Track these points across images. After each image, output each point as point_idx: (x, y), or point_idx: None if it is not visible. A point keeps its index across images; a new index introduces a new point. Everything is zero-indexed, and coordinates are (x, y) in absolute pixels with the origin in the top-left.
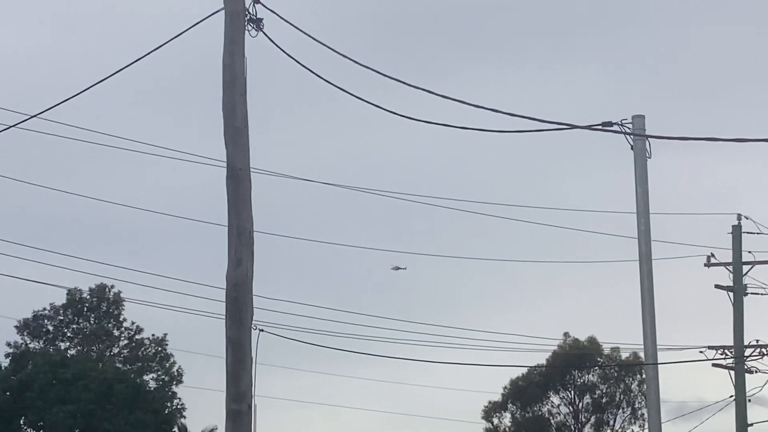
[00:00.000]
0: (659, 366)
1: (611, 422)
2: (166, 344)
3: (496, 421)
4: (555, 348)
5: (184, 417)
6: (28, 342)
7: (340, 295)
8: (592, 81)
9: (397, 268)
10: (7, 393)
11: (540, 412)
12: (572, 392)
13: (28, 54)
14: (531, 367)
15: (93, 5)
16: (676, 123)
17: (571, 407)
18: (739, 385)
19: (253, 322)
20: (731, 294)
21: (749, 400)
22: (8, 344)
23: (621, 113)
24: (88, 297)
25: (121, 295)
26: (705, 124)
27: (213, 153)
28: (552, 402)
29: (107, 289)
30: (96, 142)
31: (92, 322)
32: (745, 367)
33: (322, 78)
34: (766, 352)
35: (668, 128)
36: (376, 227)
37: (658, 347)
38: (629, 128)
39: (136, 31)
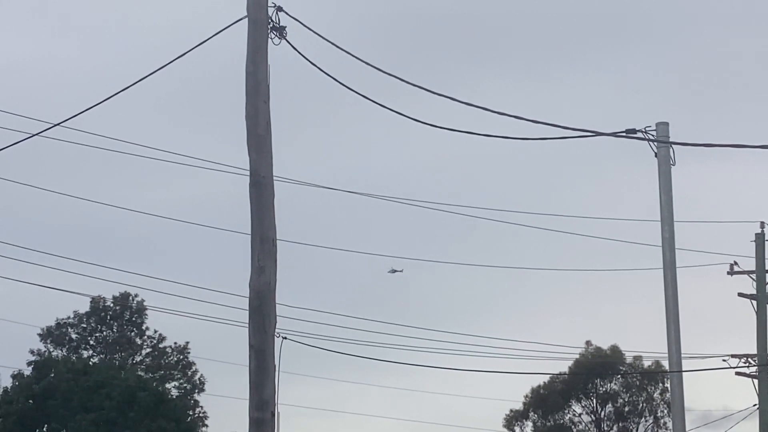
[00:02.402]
0: (683, 374)
1: (634, 431)
2: (189, 352)
3: (517, 429)
4: (577, 356)
5: (207, 425)
6: (51, 350)
7: (364, 303)
8: (615, 89)
9: (394, 271)
10: (30, 401)
11: (562, 421)
12: (594, 401)
13: (52, 63)
14: (553, 375)
15: (118, 14)
16: (699, 130)
17: (593, 416)
18: (763, 394)
19: (276, 329)
20: (754, 302)
21: None
22: (31, 352)
23: (644, 121)
24: (112, 305)
25: (145, 303)
26: (728, 132)
27: (236, 161)
28: (574, 410)
29: (131, 298)
30: (119, 150)
31: (115, 330)
32: None
33: (344, 85)
34: None
35: (692, 135)
36: (399, 235)
37: (681, 355)
38: (653, 135)
39: (161, 40)
